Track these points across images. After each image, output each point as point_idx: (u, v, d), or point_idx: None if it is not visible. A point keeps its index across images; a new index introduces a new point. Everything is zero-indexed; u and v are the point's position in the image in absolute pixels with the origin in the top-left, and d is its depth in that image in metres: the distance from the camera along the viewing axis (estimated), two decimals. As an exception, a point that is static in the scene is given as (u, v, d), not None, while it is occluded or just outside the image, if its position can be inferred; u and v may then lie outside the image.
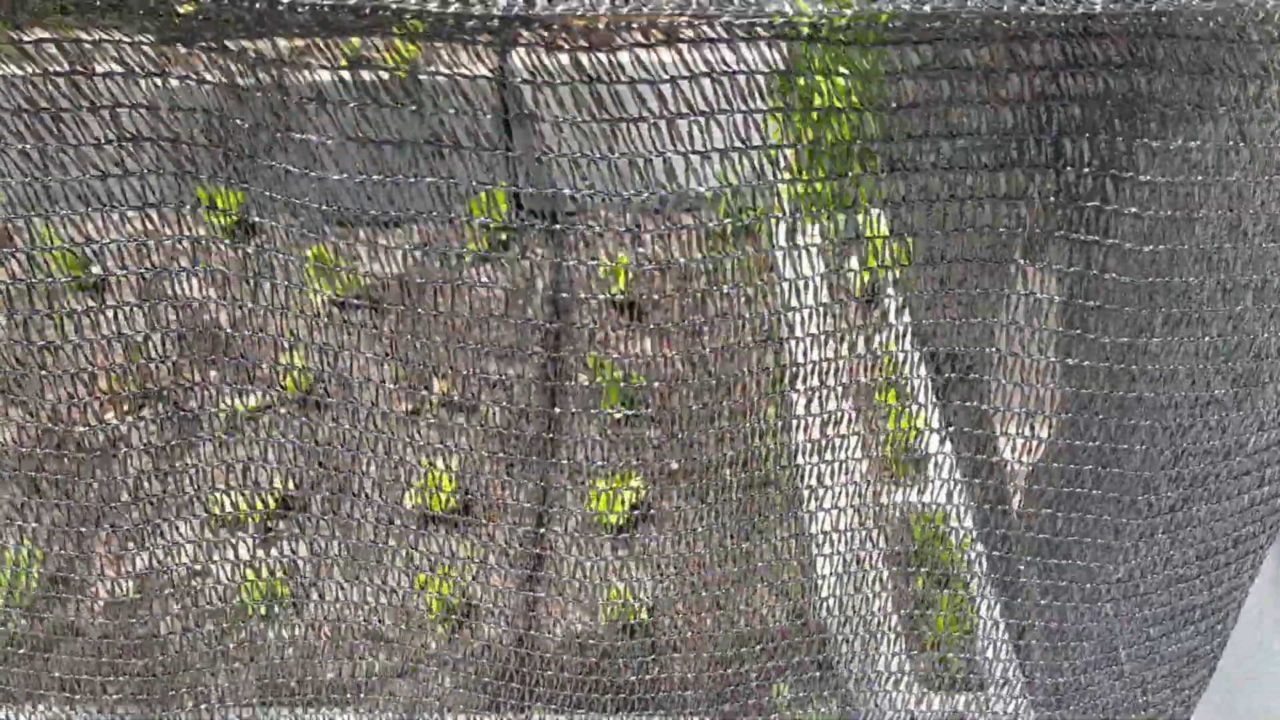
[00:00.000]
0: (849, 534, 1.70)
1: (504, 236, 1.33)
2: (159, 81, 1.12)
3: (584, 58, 1.03)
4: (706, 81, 1.08)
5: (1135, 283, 1.28)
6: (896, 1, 1.03)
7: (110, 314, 1.34)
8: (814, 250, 1.29)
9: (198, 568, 1.70)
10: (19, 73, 1.12)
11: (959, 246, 1.27)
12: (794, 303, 1.33)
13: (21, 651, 1.82)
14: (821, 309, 1.35)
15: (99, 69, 1.12)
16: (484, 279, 1.31)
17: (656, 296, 1.34)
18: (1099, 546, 1.54)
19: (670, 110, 1.09)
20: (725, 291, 1.30)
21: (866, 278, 1.35)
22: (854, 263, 1.34)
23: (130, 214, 1.24)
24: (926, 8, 1.02)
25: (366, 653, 1.93)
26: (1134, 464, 1.46)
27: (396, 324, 1.36)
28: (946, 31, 1.06)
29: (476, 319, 1.33)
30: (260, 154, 1.15)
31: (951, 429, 1.58)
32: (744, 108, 1.11)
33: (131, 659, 1.81)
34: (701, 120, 1.10)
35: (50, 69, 1.12)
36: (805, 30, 1.05)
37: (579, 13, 0.99)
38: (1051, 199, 1.22)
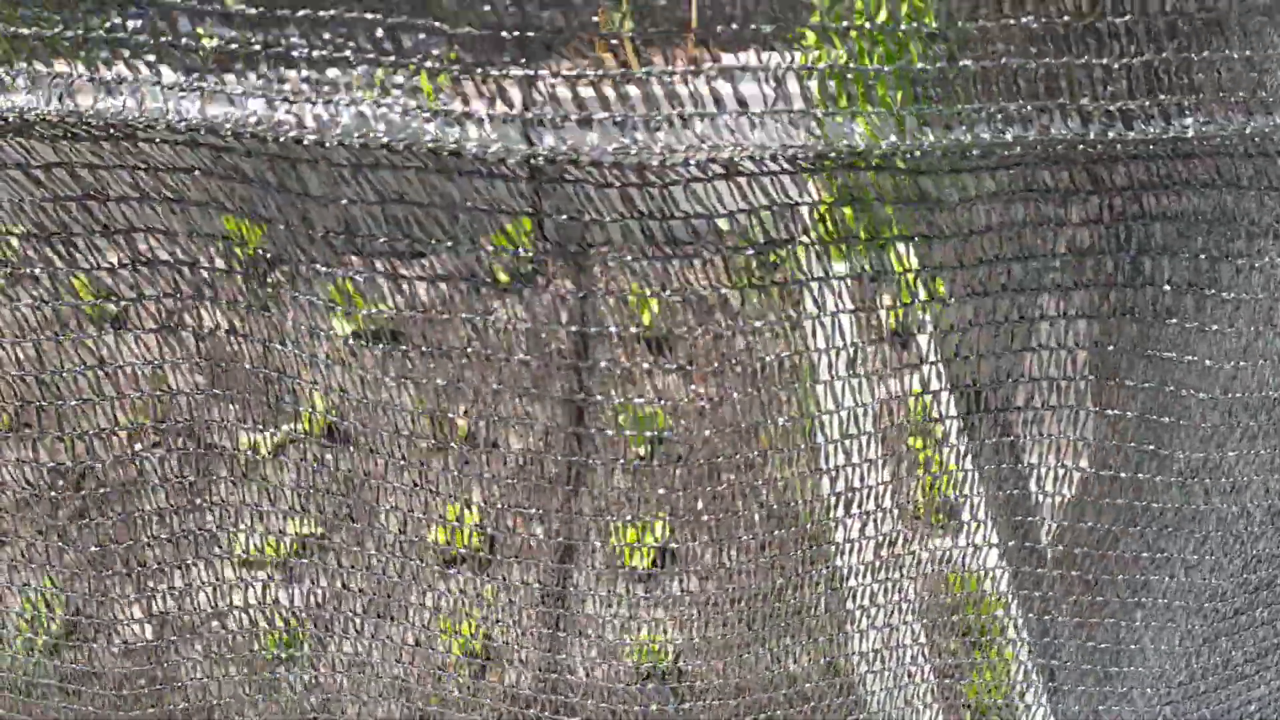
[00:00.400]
0: (880, 582, 1.64)
1: (527, 270, 1.26)
2: (176, 207, 1.05)
3: (635, 193, 0.95)
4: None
5: (1214, 398, 1.20)
6: (974, 130, 0.95)
7: (130, 349, 1.29)
8: (843, 291, 1.22)
9: (217, 609, 1.66)
10: (28, 196, 1.05)
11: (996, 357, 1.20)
12: (822, 342, 1.26)
13: (41, 693, 1.78)
14: (852, 346, 1.27)
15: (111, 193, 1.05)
16: (507, 313, 1.25)
17: (681, 333, 1.27)
18: (1162, 653, 1.47)
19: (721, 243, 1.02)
20: (751, 328, 1.24)
21: (899, 314, 1.28)
22: (886, 300, 1.26)
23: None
24: (1009, 135, 0.94)
25: (387, 697, 1.88)
26: (1203, 573, 1.39)
27: (418, 358, 1.31)
28: (1027, 156, 0.98)
29: (499, 353, 1.28)
30: (285, 285, 1.07)
31: (992, 487, 1.51)
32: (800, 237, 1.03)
33: (151, 702, 1.77)
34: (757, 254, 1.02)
35: (60, 194, 1.04)
36: (875, 160, 0.97)
37: (633, 151, 0.92)
38: (1129, 317, 1.14)
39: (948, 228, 1.02)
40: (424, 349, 1.26)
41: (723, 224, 1.05)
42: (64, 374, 1.26)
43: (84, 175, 1.03)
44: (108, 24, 0.94)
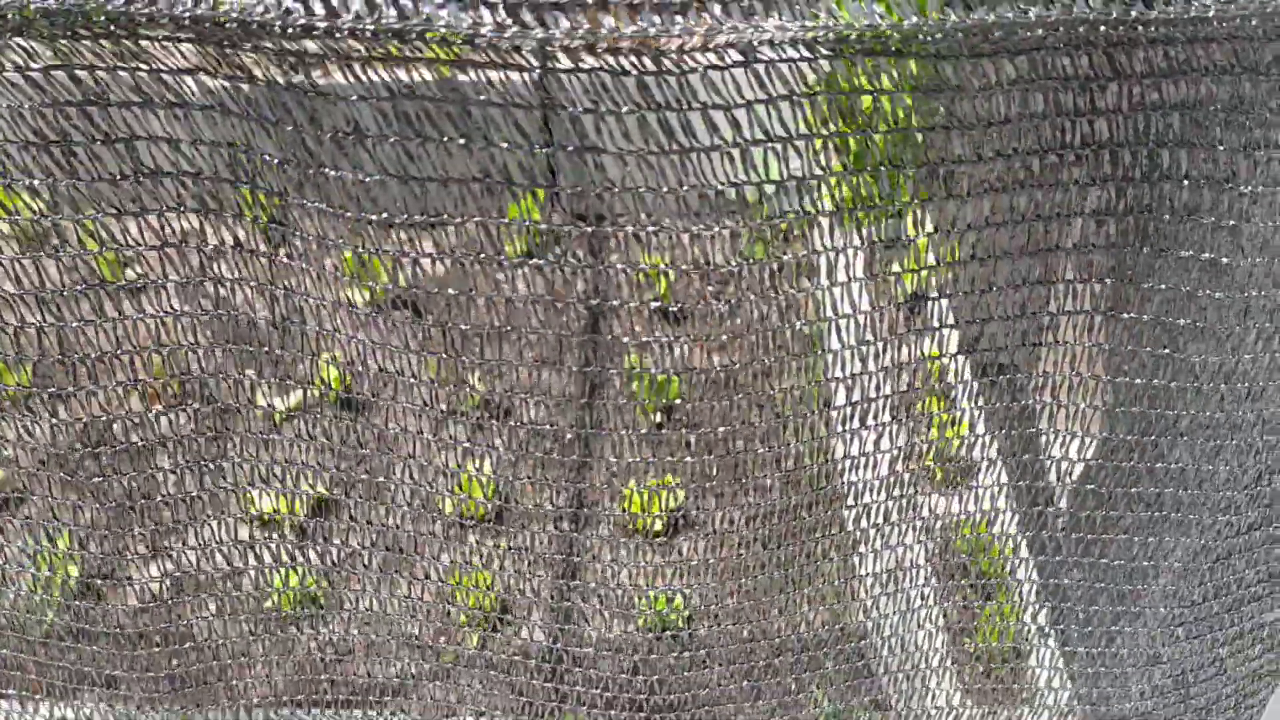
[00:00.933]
0: (890, 541, 1.64)
1: (542, 239, 1.26)
2: (180, 113, 1.03)
3: (650, 81, 0.93)
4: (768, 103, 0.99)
5: (1230, 298, 1.20)
6: (996, 9, 0.94)
7: (148, 314, 1.28)
8: (856, 254, 1.21)
9: (232, 567, 1.66)
10: (28, 102, 1.02)
11: (1014, 258, 1.19)
12: (836, 308, 1.25)
13: (60, 645, 1.78)
14: (864, 314, 1.27)
15: (113, 98, 1.02)
16: (522, 282, 1.24)
17: (696, 301, 1.26)
18: (1175, 570, 1.47)
19: (734, 134, 1.00)
20: (765, 296, 1.23)
21: (909, 281, 1.27)
22: (896, 267, 1.26)
23: (167, 215, 1.15)
24: (1031, 14, 0.93)
25: (400, 655, 1.89)
26: (1217, 485, 1.38)
27: (434, 326, 1.30)
28: (1047, 40, 0.97)
29: (514, 322, 1.27)
30: (292, 192, 1.05)
31: (1002, 440, 1.50)
32: (804, 129, 1.02)
33: (166, 656, 1.77)
34: (772, 147, 1.01)
35: (61, 99, 1.02)
36: (895, 45, 0.95)
37: (651, 33, 0.90)
38: (1146, 214, 1.13)
39: (967, 118, 1.01)
40: (439, 318, 1.25)
41: (749, 194, 1.04)
42: (79, 330, 1.25)
43: (84, 78, 1.00)
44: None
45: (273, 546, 1.69)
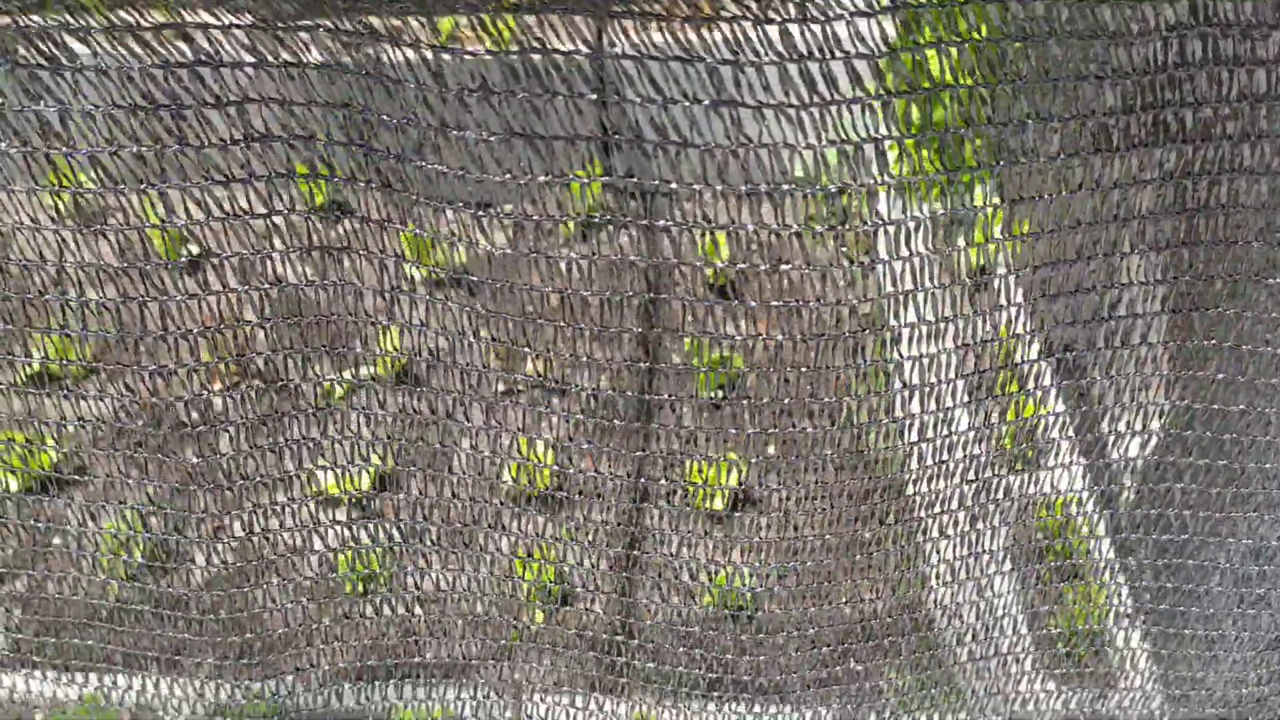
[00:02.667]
0: (962, 523, 1.61)
1: (597, 217, 1.23)
2: (294, 72, 0.99)
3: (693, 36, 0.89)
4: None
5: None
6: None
7: (207, 291, 1.26)
8: (920, 229, 1.17)
9: (296, 544, 1.66)
10: (133, 64, 0.99)
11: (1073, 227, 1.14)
12: (898, 284, 1.21)
13: (126, 620, 1.80)
14: (928, 290, 1.23)
15: (225, 58, 0.98)
16: (577, 258, 1.22)
17: (753, 278, 1.23)
18: (1245, 551, 1.43)
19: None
20: (824, 273, 1.19)
21: (975, 256, 1.23)
22: (962, 242, 1.21)
23: (225, 192, 1.12)
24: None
25: (465, 632, 1.88)
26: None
27: (490, 303, 1.28)
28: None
29: (570, 299, 1.24)
30: (410, 153, 1.01)
31: (1073, 418, 1.47)
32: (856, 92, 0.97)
33: (231, 632, 1.78)
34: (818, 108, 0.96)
35: (170, 59, 0.98)
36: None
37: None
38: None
39: (1123, 65, 0.96)
40: (496, 294, 1.23)
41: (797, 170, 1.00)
42: (140, 306, 1.22)
43: (196, 37, 0.97)
44: None
45: (335, 524, 1.68)
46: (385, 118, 1.00)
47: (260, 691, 1.95)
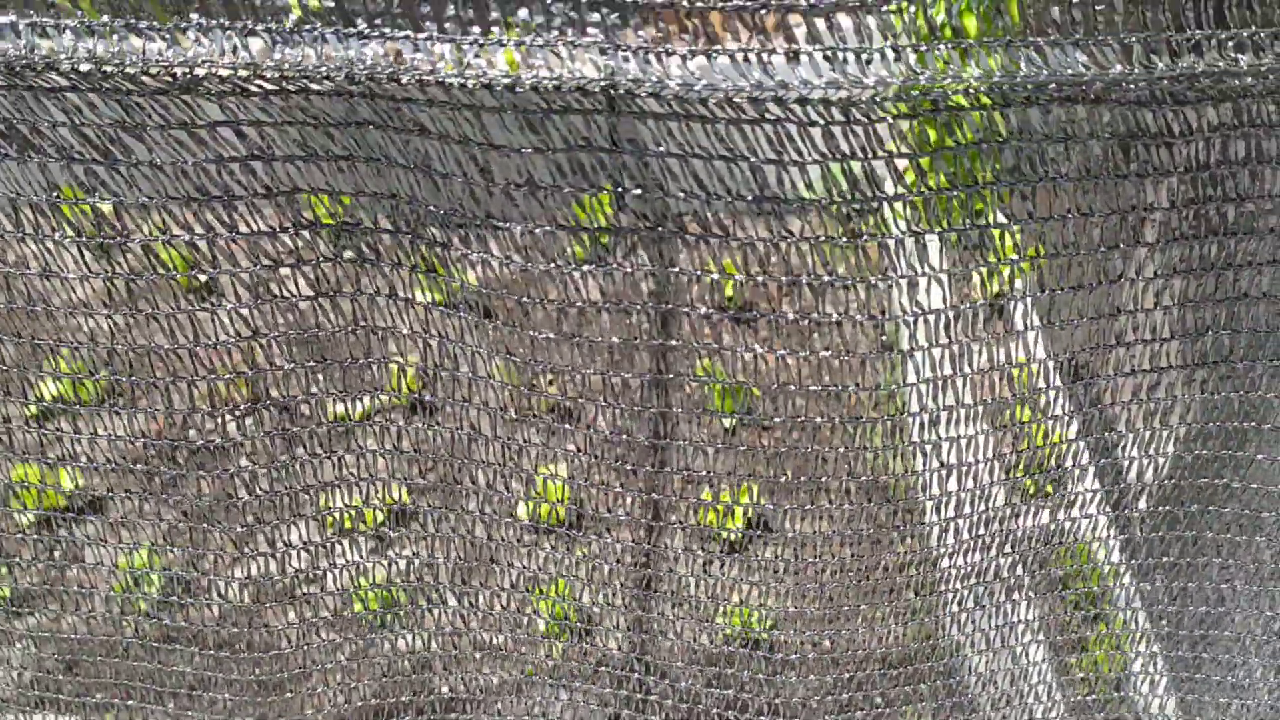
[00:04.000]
0: (980, 554, 1.60)
1: (608, 240, 1.23)
2: (344, 165, 1.00)
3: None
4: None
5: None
6: (1207, 59, 0.89)
7: (218, 317, 1.27)
8: (935, 252, 1.17)
9: (311, 575, 1.67)
10: (191, 158, 1.00)
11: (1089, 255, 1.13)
12: (913, 308, 1.21)
13: (140, 653, 1.80)
14: (943, 316, 1.23)
15: (277, 152, 1.00)
16: (588, 283, 1.22)
17: (766, 302, 1.22)
18: (1265, 578, 1.42)
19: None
20: (838, 296, 1.19)
21: (992, 283, 1.23)
22: (978, 268, 1.21)
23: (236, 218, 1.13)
24: (1242, 61, 0.88)
25: (482, 665, 1.88)
26: None
27: (502, 329, 1.29)
28: (1255, 87, 0.93)
29: (581, 324, 1.25)
30: (456, 244, 1.03)
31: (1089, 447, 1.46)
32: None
33: (247, 666, 1.78)
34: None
35: (225, 154, 1.00)
36: (1094, 94, 0.91)
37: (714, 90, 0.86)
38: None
39: (1164, 164, 0.97)
40: (509, 321, 1.23)
41: (812, 191, 1.01)
42: (163, 340, 1.24)
43: (249, 133, 0.98)
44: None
45: (350, 554, 1.68)
46: (433, 209, 1.01)
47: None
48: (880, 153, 0.95)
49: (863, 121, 0.93)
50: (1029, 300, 1.22)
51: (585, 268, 1.15)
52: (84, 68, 0.91)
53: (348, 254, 1.09)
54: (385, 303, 1.23)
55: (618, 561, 1.70)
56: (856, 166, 1.00)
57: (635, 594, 1.79)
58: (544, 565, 1.70)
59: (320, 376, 1.35)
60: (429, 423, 1.47)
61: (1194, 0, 0.88)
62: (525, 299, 1.19)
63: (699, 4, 0.88)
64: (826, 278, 1.13)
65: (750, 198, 0.97)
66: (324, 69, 0.91)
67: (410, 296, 1.21)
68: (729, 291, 1.30)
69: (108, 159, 0.98)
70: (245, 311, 1.22)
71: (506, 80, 0.89)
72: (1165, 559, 1.55)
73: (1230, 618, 1.57)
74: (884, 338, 1.30)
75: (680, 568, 1.74)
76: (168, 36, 0.91)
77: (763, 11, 0.88)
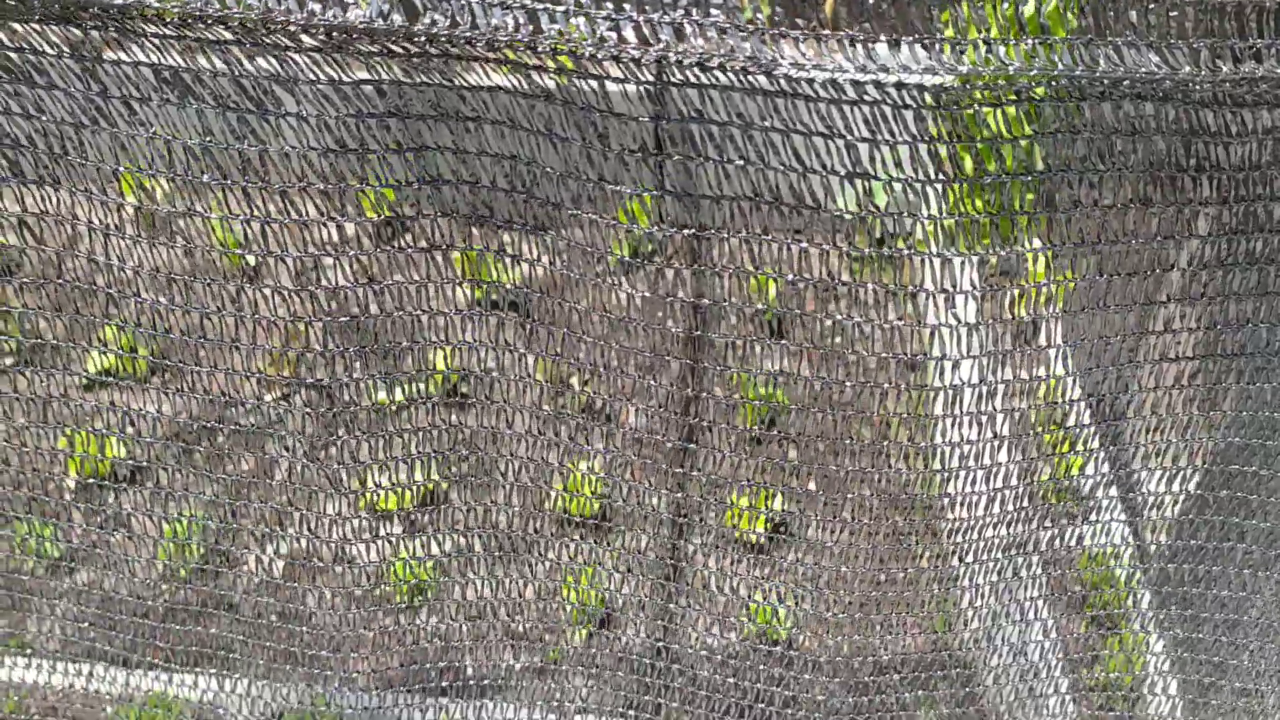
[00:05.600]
0: (1000, 567, 1.67)
1: (648, 246, 1.31)
2: (471, 126, 1.10)
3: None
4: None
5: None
6: (1265, 65, 0.99)
7: (263, 300, 1.34)
8: (967, 271, 1.25)
9: (345, 553, 1.72)
10: (334, 112, 1.10)
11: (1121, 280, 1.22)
12: (942, 329, 1.28)
13: (181, 619, 1.87)
14: (974, 335, 1.30)
15: (412, 110, 1.10)
16: (627, 286, 1.30)
17: (800, 314, 1.30)
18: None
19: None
20: (870, 314, 1.27)
21: (1022, 306, 1.31)
22: (1010, 290, 1.29)
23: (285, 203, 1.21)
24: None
25: (507, 649, 1.94)
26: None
27: (539, 327, 1.35)
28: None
29: (618, 325, 1.32)
30: (567, 204, 1.12)
31: (1112, 469, 1.54)
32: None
33: (279, 635, 1.84)
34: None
35: (366, 110, 1.10)
36: (1162, 91, 1.01)
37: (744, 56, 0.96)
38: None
39: (1218, 162, 1.07)
40: (546, 319, 1.31)
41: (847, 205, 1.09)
42: (201, 315, 1.31)
43: (389, 92, 1.08)
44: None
45: (382, 534, 1.74)
46: (549, 170, 1.11)
47: (323, 697, 2.01)
48: (964, 138, 1.05)
49: (951, 107, 1.03)
50: (1056, 318, 1.30)
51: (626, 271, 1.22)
52: (250, 24, 1.01)
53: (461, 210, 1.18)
54: (421, 291, 1.30)
55: (641, 557, 1.75)
56: (898, 187, 1.10)
57: (658, 589, 1.84)
58: (572, 557, 1.77)
59: (358, 363, 1.42)
60: (464, 412, 1.53)
61: (1257, 11, 0.98)
62: (566, 299, 1.27)
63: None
64: (858, 289, 1.22)
65: (844, 172, 1.06)
66: (466, 35, 1.01)
67: (449, 290, 1.29)
68: (764, 301, 1.37)
69: (260, 109, 1.08)
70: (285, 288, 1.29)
71: (635, 53, 0.99)
72: (1185, 577, 1.62)
73: (1247, 639, 1.63)
74: (912, 354, 1.37)
75: (702, 566, 1.79)
76: (328, -1, 1.01)
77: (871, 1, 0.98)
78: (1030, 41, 0.99)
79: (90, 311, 1.36)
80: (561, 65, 1.01)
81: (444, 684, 2.08)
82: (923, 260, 1.17)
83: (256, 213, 1.18)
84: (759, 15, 1.00)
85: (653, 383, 1.44)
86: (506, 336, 1.38)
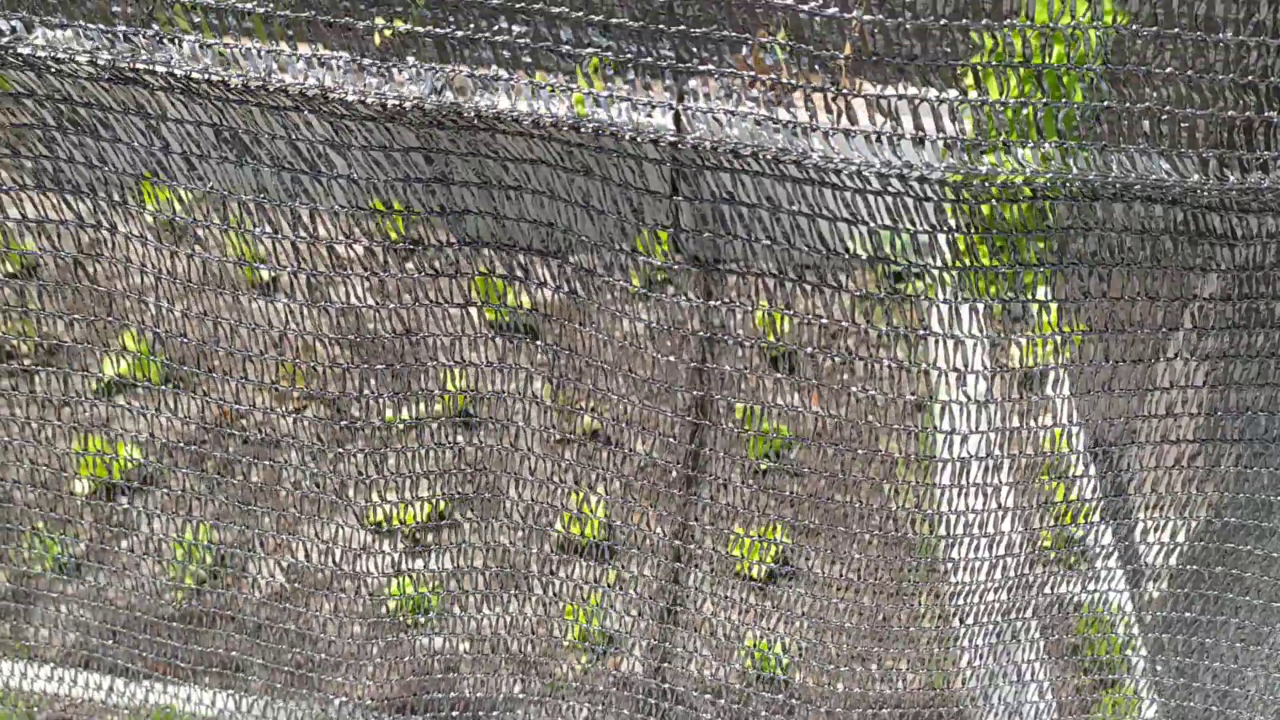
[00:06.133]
0: (997, 614, 1.70)
1: (661, 277, 1.36)
2: (512, 194, 1.16)
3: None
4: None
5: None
6: (1272, 177, 1.04)
7: (279, 313, 1.38)
8: (974, 319, 1.28)
9: (349, 569, 1.75)
10: (382, 175, 1.16)
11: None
12: (948, 374, 1.31)
13: (184, 630, 1.89)
14: (978, 381, 1.34)
15: (456, 178, 1.16)
16: (639, 316, 1.33)
17: (808, 352, 1.34)
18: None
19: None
20: (877, 354, 1.31)
21: (1030, 356, 1.35)
22: (1016, 339, 1.33)
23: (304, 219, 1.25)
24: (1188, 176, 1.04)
25: (506, 673, 1.96)
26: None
27: (551, 352, 1.39)
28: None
29: (628, 353, 1.36)
30: (600, 270, 1.18)
31: (1110, 521, 1.57)
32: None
33: (281, 650, 1.87)
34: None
35: (412, 175, 1.15)
36: (1171, 196, 1.06)
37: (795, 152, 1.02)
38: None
39: (1224, 261, 1.12)
40: (557, 345, 1.35)
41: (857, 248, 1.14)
42: (230, 334, 1.35)
43: (435, 160, 1.14)
44: (495, 28, 1.05)
45: (388, 553, 1.78)
46: (584, 239, 1.16)
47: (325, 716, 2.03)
48: (980, 230, 1.11)
49: (970, 201, 1.08)
50: (1064, 373, 1.35)
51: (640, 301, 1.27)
52: (311, 93, 1.07)
53: (499, 270, 1.24)
54: (435, 312, 1.34)
55: (643, 586, 1.78)
56: (922, 238, 1.15)
57: (658, 619, 1.86)
58: (573, 584, 1.80)
59: (370, 380, 1.45)
60: (472, 435, 1.57)
61: (1265, 126, 1.03)
62: (582, 326, 1.31)
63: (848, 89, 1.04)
64: (868, 330, 1.26)
65: (865, 256, 1.12)
66: (513, 114, 1.07)
67: (462, 313, 1.33)
68: (772, 338, 1.41)
69: (313, 170, 1.14)
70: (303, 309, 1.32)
71: (673, 138, 1.05)
72: (1180, 647, 1.65)
73: (1237, 711, 1.67)
74: (918, 397, 1.41)
75: (702, 598, 1.82)
76: (385, 73, 1.07)
77: (899, 102, 1.03)
78: (1047, 145, 1.04)
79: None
80: (603, 146, 1.07)
81: (443, 706, 2.10)
82: (936, 341, 1.22)
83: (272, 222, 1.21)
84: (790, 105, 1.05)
85: (660, 412, 1.47)
86: (518, 360, 1.42)
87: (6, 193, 1.27)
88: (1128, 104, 1.04)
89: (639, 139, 1.05)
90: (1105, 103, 1.04)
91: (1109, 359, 1.21)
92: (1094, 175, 1.04)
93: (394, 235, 1.26)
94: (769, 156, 1.05)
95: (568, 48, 1.04)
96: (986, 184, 1.05)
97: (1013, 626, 1.71)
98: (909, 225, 1.10)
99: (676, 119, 1.06)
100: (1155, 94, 1.04)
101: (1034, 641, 1.75)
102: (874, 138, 1.05)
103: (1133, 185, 1.05)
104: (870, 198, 1.09)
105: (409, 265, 1.31)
